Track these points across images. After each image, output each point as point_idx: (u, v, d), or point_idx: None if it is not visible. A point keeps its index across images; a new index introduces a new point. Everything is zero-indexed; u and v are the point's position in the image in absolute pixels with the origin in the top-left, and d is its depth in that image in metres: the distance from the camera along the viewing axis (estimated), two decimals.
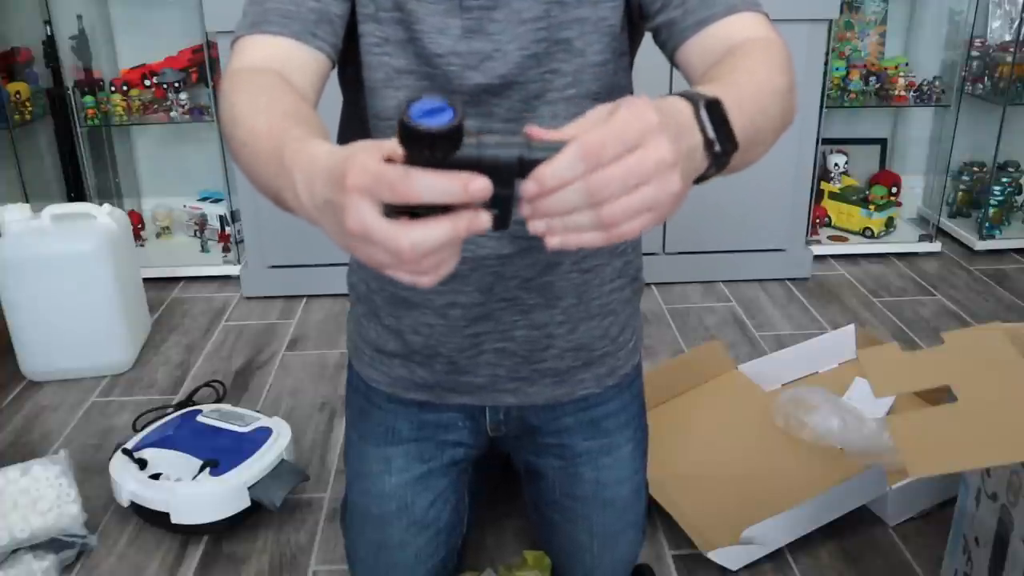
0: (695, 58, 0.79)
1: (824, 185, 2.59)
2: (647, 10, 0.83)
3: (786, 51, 0.75)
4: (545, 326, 0.96)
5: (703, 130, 0.55)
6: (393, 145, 0.48)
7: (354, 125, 0.92)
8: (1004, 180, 2.57)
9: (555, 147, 0.49)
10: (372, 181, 0.47)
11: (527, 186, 0.49)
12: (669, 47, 0.82)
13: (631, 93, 0.95)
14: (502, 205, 0.49)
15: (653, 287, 2.31)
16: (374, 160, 0.47)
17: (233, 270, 2.39)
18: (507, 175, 0.49)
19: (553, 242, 0.50)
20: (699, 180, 0.58)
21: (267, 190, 0.64)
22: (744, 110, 0.60)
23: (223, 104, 0.72)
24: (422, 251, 0.47)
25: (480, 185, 0.46)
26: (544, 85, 0.85)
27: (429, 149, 0.47)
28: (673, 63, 0.83)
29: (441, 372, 0.99)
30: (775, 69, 0.71)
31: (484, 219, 0.48)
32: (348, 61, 0.87)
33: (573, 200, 0.48)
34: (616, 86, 0.89)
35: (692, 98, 0.56)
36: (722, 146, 0.57)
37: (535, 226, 0.50)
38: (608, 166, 0.48)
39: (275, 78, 0.73)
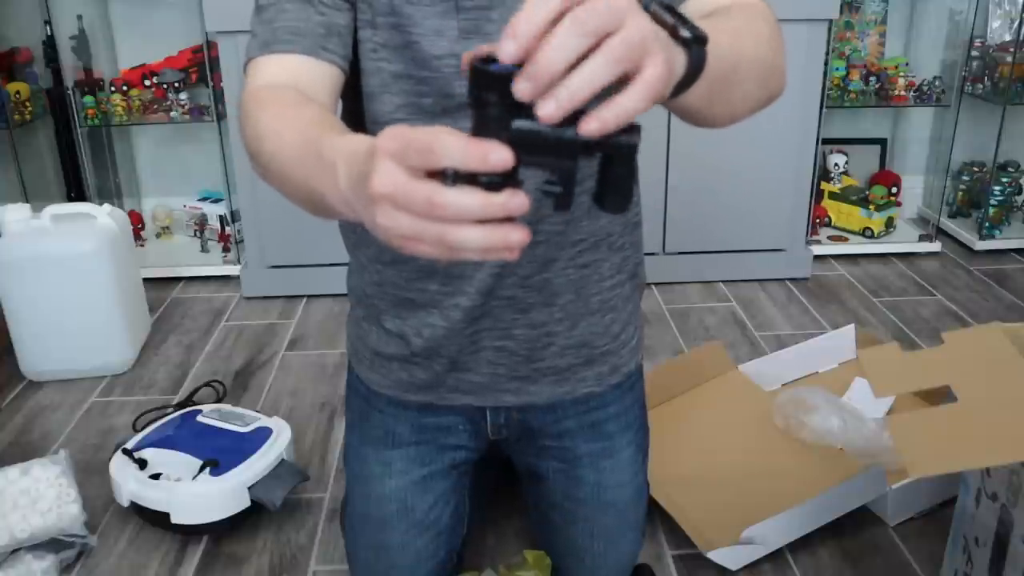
0: None
1: (824, 185, 2.59)
2: None
3: (772, 13, 0.74)
4: (544, 324, 0.96)
5: (660, 20, 0.54)
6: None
7: (352, 129, 0.92)
8: (1004, 180, 2.57)
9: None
10: (400, 144, 0.46)
11: (505, 45, 0.45)
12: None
13: None
14: (565, 182, 0.47)
15: (653, 287, 2.31)
16: (406, 128, 0.47)
17: (233, 270, 2.39)
18: (569, 149, 0.47)
19: (591, 125, 0.46)
20: (689, 81, 0.57)
21: (302, 195, 0.64)
22: (715, 29, 0.58)
23: (246, 123, 0.73)
24: (451, 211, 0.45)
25: (500, 156, 0.44)
26: None
27: (500, 94, 0.45)
28: None
29: (442, 371, 0.99)
30: (756, 18, 0.71)
31: (520, 201, 0.45)
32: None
33: (567, 40, 0.45)
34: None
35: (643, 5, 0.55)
36: (690, 31, 0.55)
37: (546, 108, 0.45)
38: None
39: (294, 92, 0.74)
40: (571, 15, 0.45)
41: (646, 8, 0.54)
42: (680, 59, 0.55)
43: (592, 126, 0.46)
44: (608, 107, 0.46)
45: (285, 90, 0.75)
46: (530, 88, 0.45)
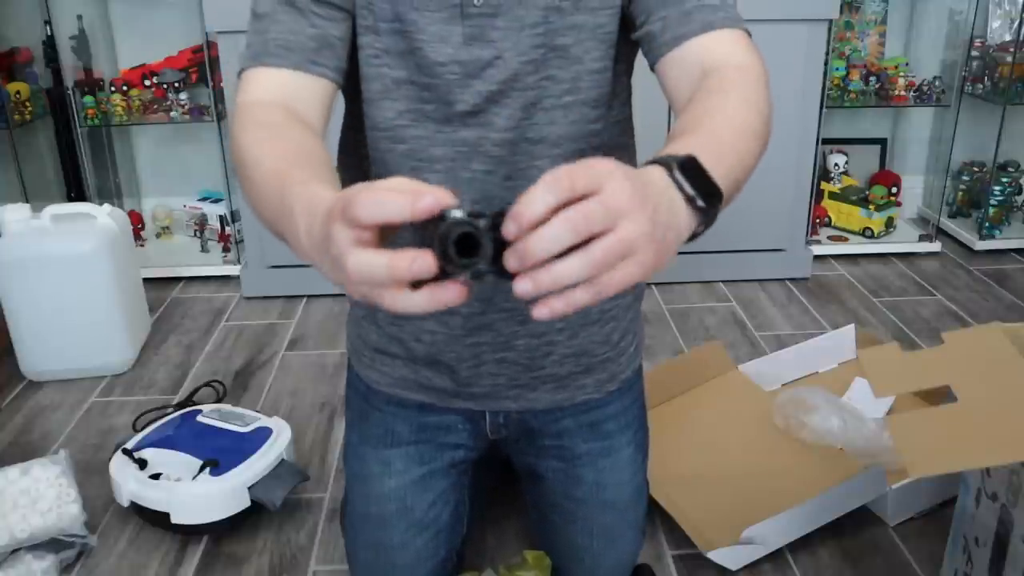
0: (673, 71, 0.80)
1: (824, 185, 2.59)
2: (633, 21, 0.84)
3: (764, 76, 0.75)
4: (545, 334, 0.97)
5: (680, 189, 0.56)
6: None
7: (353, 134, 0.92)
8: (1004, 180, 2.57)
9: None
10: (342, 205, 0.50)
11: (507, 226, 0.48)
12: (649, 60, 0.83)
13: (630, 100, 0.95)
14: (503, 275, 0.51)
15: (653, 287, 2.31)
16: (355, 188, 0.50)
17: (233, 270, 2.39)
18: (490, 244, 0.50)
19: (542, 312, 0.50)
20: (695, 236, 0.59)
21: (272, 230, 0.66)
22: (724, 162, 0.61)
23: (232, 142, 0.75)
24: (360, 276, 0.49)
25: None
26: (541, 92, 0.85)
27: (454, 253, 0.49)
28: (655, 74, 0.84)
29: (445, 378, 0.99)
30: (751, 108, 0.71)
31: (424, 262, 0.48)
32: (348, 71, 0.87)
33: (558, 235, 0.47)
34: (614, 93, 0.89)
35: (665, 162, 0.57)
36: (705, 200, 0.57)
37: (521, 286, 0.49)
38: (585, 200, 0.48)
39: (279, 113, 0.75)
40: (563, 216, 0.48)
41: (669, 172, 0.56)
42: (683, 235, 0.57)
43: (558, 307, 0.49)
44: (582, 291, 0.49)
45: (273, 109, 0.76)
46: (517, 264, 0.48)
